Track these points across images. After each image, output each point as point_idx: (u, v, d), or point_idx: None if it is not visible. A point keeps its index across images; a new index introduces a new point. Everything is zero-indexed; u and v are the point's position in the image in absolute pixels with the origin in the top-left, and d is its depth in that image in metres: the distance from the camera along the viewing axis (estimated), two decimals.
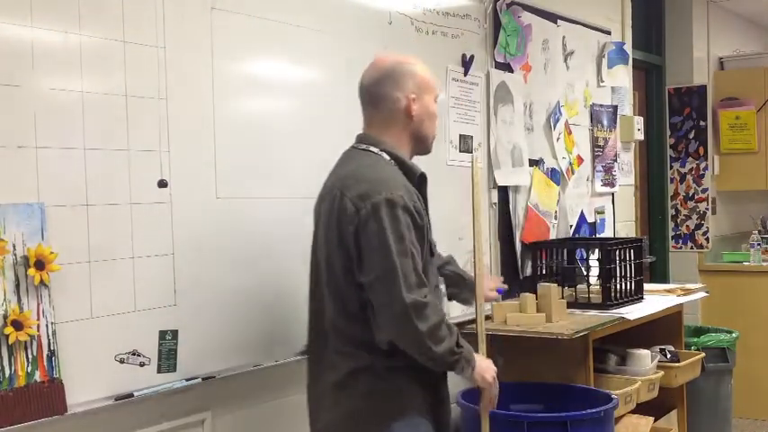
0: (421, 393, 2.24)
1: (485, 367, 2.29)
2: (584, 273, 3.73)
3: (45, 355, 2.06)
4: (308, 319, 2.36)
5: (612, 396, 3.01)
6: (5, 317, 1.99)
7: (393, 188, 2.15)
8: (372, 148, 2.28)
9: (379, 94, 2.31)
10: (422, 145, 2.37)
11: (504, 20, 3.86)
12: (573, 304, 3.54)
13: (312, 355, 2.36)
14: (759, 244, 5.95)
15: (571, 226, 4.37)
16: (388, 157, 2.27)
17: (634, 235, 5.11)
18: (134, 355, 2.28)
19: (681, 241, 6.03)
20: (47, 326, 2.06)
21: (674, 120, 6.01)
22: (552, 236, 4.15)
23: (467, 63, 3.60)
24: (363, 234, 2.12)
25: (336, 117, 2.90)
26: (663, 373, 3.57)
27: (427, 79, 2.35)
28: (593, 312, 3.46)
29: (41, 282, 2.04)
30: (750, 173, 6.10)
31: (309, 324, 2.35)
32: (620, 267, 3.65)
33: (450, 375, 2.33)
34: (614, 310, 3.49)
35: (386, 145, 2.28)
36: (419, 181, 2.32)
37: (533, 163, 4.06)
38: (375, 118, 2.33)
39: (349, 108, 2.94)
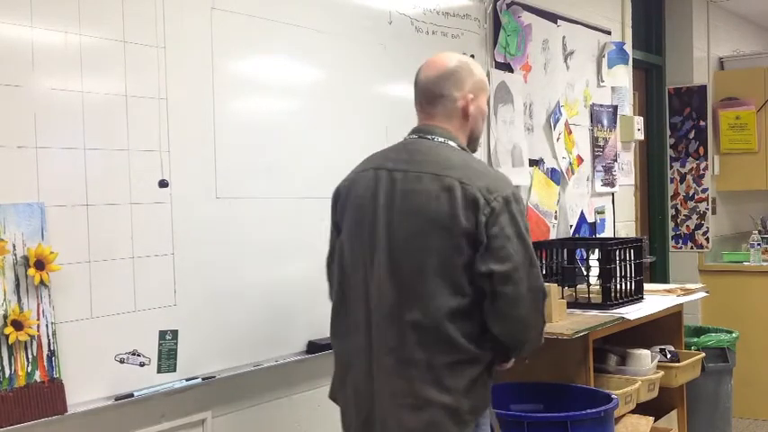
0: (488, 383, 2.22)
1: None
2: (584, 273, 3.72)
3: (45, 355, 2.06)
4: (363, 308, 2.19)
5: (612, 396, 3.01)
6: (5, 317, 1.99)
7: (511, 185, 2.19)
8: (451, 143, 2.23)
9: (438, 93, 2.24)
10: (473, 144, 2.34)
11: (504, 20, 3.86)
12: (573, 304, 3.53)
13: (371, 350, 2.17)
14: (759, 244, 5.94)
15: (571, 226, 4.37)
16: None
17: (634, 235, 5.11)
18: (134, 355, 2.28)
19: (681, 241, 6.02)
20: (47, 326, 2.06)
21: (674, 120, 6.01)
22: (552, 236, 4.15)
23: None
24: (497, 225, 2.08)
25: (336, 117, 2.91)
26: (663, 373, 3.56)
27: (484, 80, 2.32)
28: (593, 312, 3.46)
29: (41, 282, 2.05)
30: (750, 173, 6.10)
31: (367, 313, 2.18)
32: (620, 267, 3.64)
33: None
34: (614, 310, 3.48)
35: (459, 141, 2.25)
36: None
37: (533, 163, 4.06)
38: (437, 116, 2.26)
39: (349, 107, 2.96)
